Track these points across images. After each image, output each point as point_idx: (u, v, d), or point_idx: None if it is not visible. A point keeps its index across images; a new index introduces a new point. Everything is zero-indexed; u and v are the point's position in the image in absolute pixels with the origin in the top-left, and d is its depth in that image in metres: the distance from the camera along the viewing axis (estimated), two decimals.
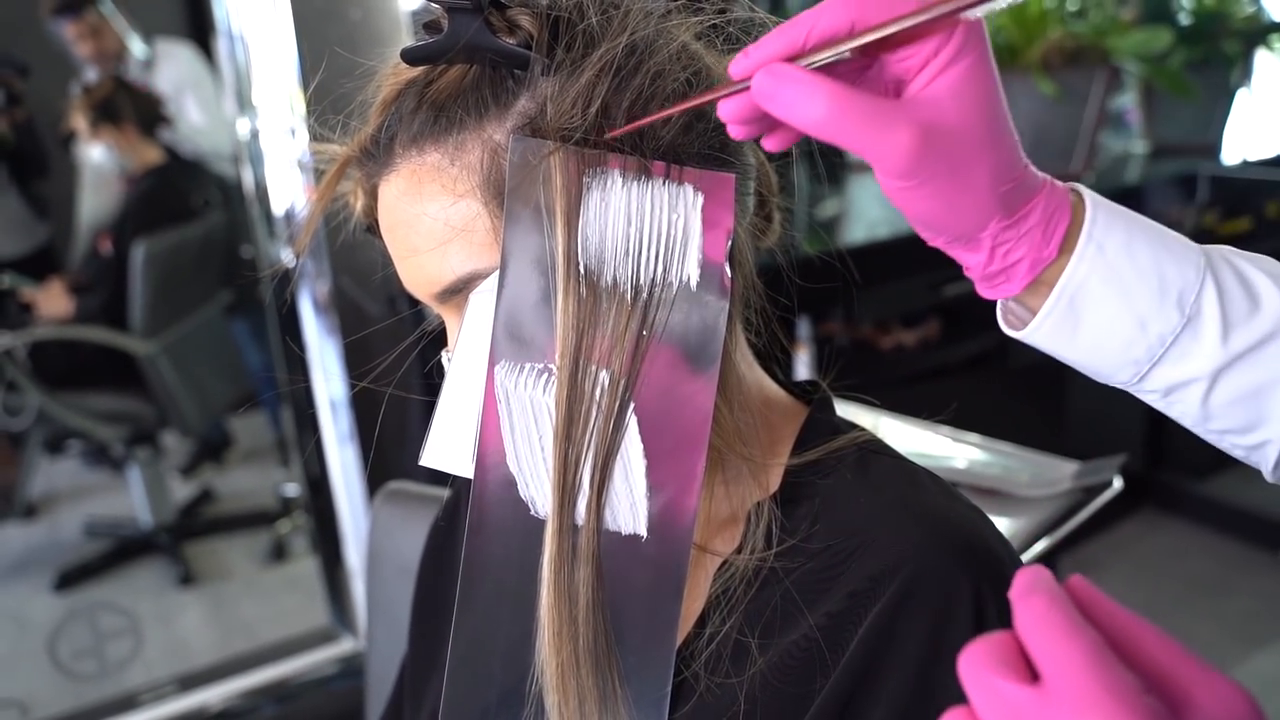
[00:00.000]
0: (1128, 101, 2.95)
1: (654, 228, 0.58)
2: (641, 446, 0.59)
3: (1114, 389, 0.54)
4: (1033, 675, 0.36)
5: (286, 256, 2.09)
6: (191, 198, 3.08)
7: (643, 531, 0.61)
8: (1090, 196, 0.51)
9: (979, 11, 0.45)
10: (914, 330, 2.55)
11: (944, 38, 0.46)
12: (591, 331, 0.58)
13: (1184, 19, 2.62)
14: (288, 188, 2.04)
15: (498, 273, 0.59)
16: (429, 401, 0.66)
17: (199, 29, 3.70)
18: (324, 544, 2.30)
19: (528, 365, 0.60)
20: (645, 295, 0.58)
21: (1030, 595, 0.37)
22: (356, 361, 1.97)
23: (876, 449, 0.67)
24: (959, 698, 0.56)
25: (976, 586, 0.57)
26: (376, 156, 0.63)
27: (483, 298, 0.61)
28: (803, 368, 2.15)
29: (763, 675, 0.61)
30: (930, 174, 0.47)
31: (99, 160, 3.06)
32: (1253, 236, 2.85)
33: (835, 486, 0.64)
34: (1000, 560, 0.60)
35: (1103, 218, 0.50)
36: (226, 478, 3.71)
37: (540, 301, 0.59)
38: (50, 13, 3.18)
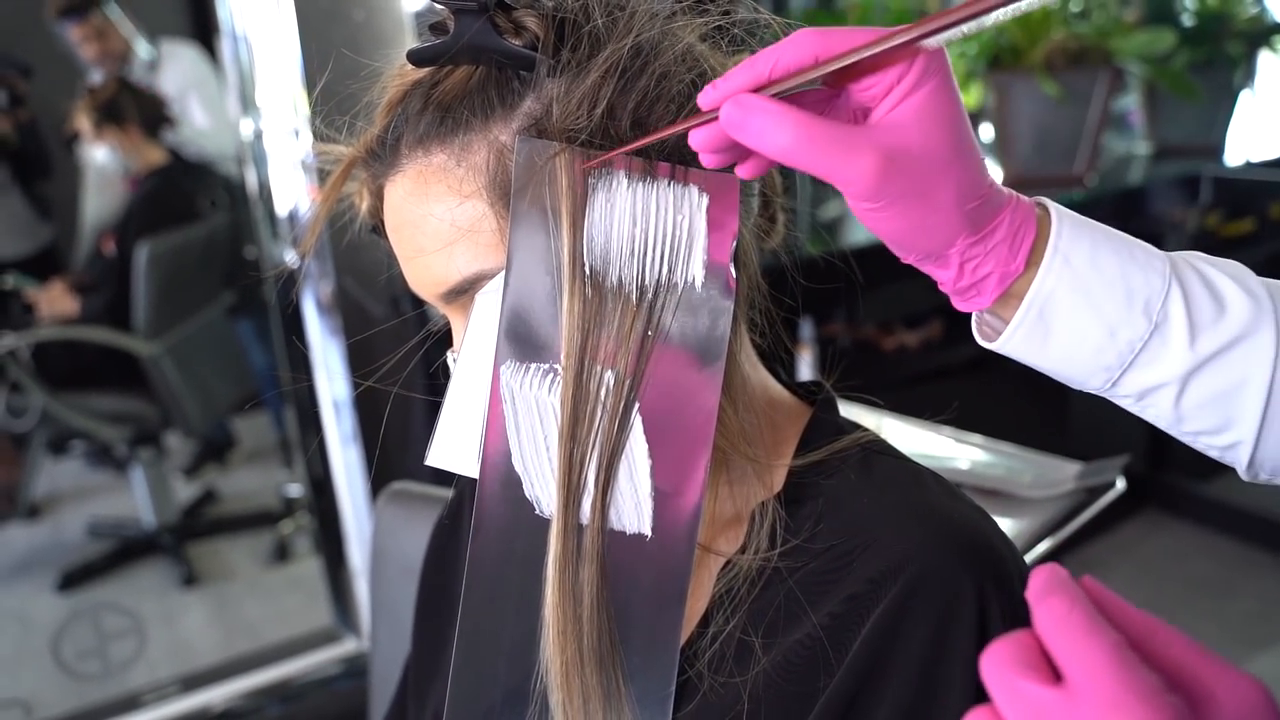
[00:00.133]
0: (1131, 103, 2.95)
1: (659, 229, 0.58)
2: (646, 446, 0.60)
3: None
4: (1055, 675, 0.36)
5: (290, 257, 2.09)
6: (195, 198, 3.08)
7: (647, 531, 0.61)
8: (1055, 209, 0.52)
9: (935, 41, 0.46)
10: (917, 331, 2.55)
11: (906, 66, 0.48)
12: (597, 332, 0.58)
13: (1187, 20, 2.62)
14: (291, 188, 2.04)
15: (503, 273, 0.59)
16: (432, 402, 0.66)
17: (203, 29, 3.71)
18: (327, 544, 2.31)
19: (533, 365, 0.60)
20: (650, 296, 0.59)
21: (1049, 596, 0.37)
22: (360, 362, 1.98)
23: (880, 449, 0.67)
24: (963, 697, 0.56)
25: (980, 586, 0.58)
26: (382, 157, 0.63)
27: (488, 298, 0.61)
28: (806, 368, 2.15)
29: (766, 674, 0.61)
30: (895, 196, 0.49)
31: (103, 161, 3.06)
32: (1256, 238, 2.85)
33: (839, 487, 0.64)
34: (1003, 560, 0.60)
35: (1068, 230, 0.51)
36: (229, 478, 3.71)
37: (546, 302, 0.59)
38: (55, 15, 3.19)
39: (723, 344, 0.60)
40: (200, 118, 3.29)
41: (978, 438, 1.48)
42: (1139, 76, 2.59)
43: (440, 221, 0.60)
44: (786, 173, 0.72)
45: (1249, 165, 2.74)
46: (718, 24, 0.62)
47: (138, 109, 2.98)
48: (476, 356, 0.62)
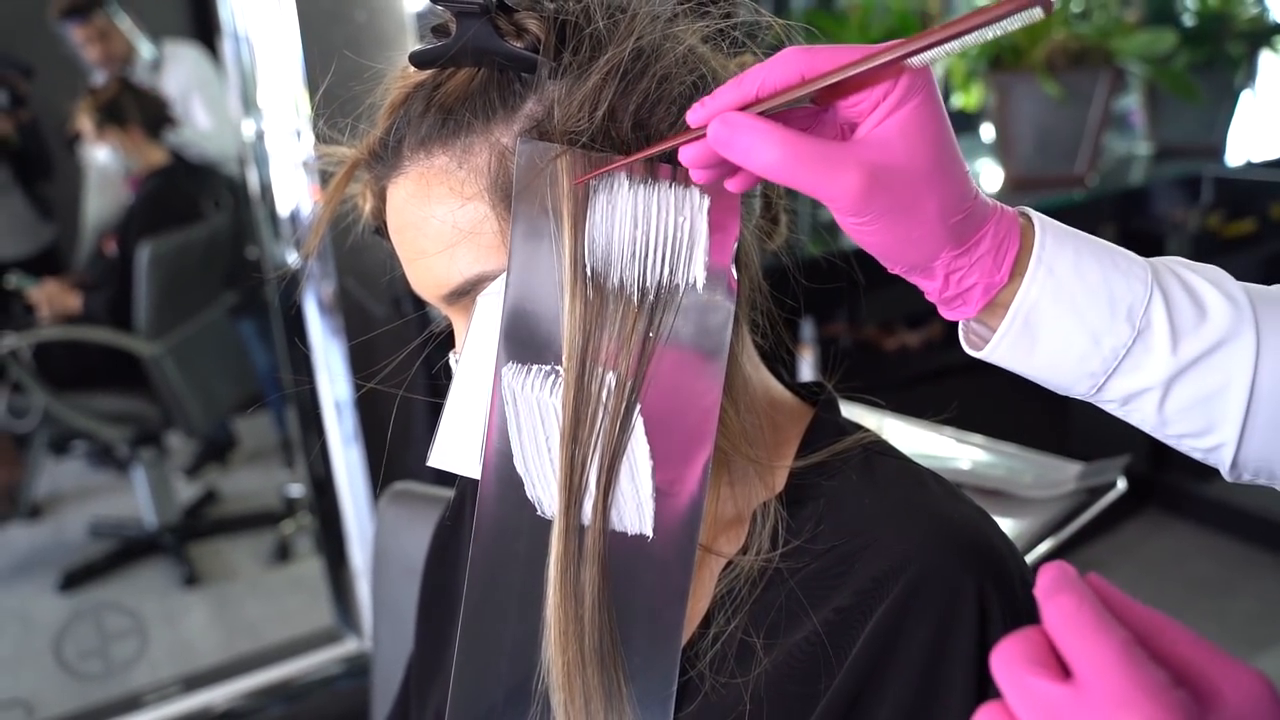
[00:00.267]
0: (1132, 103, 2.95)
1: (660, 230, 0.58)
2: (648, 448, 0.60)
3: None
4: (1064, 672, 0.37)
5: (292, 258, 2.09)
6: (197, 199, 3.09)
7: (649, 532, 0.61)
8: (1039, 220, 0.53)
9: (919, 60, 0.47)
10: (918, 331, 2.56)
11: (891, 83, 0.48)
12: (598, 333, 0.58)
13: (1188, 20, 2.62)
14: (293, 189, 2.04)
15: (505, 275, 0.59)
16: (434, 403, 0.66)
17: (205, 30, 3.71)
18: (328, 544, 2.31)
19: (534, 367, 0.60)
20: (652, 298, 0.59)
21: (1058, 593, 0.38)
22: (361, 362, 1.98)
23: (881, 450, 0.67)
24: (964, 697, 0.57)
25: (980, 586, 0.58)
26: (385, 159, 0.63)
27: (490, 299, 0.61)
28: (807, 369, 2.15)
29: (768, 675, 0.61)
30: (881, 210, 0.50)
31: (104, 162, 3.07)
32: (1257, 238, 2.85)
33: (840, 487, 0.64)
34: (1004, 561, 0.60)
35: (1051, 240, 0.52)
36: (231, 478, 3.72)
37: (547, 303, 0.59)
38: (58, 16, 3.19)
39: (724, 345, 0.60)
40: (203, 118, 3.30)
41: (979, 438, 1.48)
42: (1140, 77, 2.59)
43: (442, 223, 0.60)
44: None
45: (1250, 165, 2.74)
46: (719, 27, 0.62)
47: (139, 109, 2.98)
48: (478, 358, 0.62)
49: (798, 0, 2.58)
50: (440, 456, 0.65)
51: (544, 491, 0.62)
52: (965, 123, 2.90)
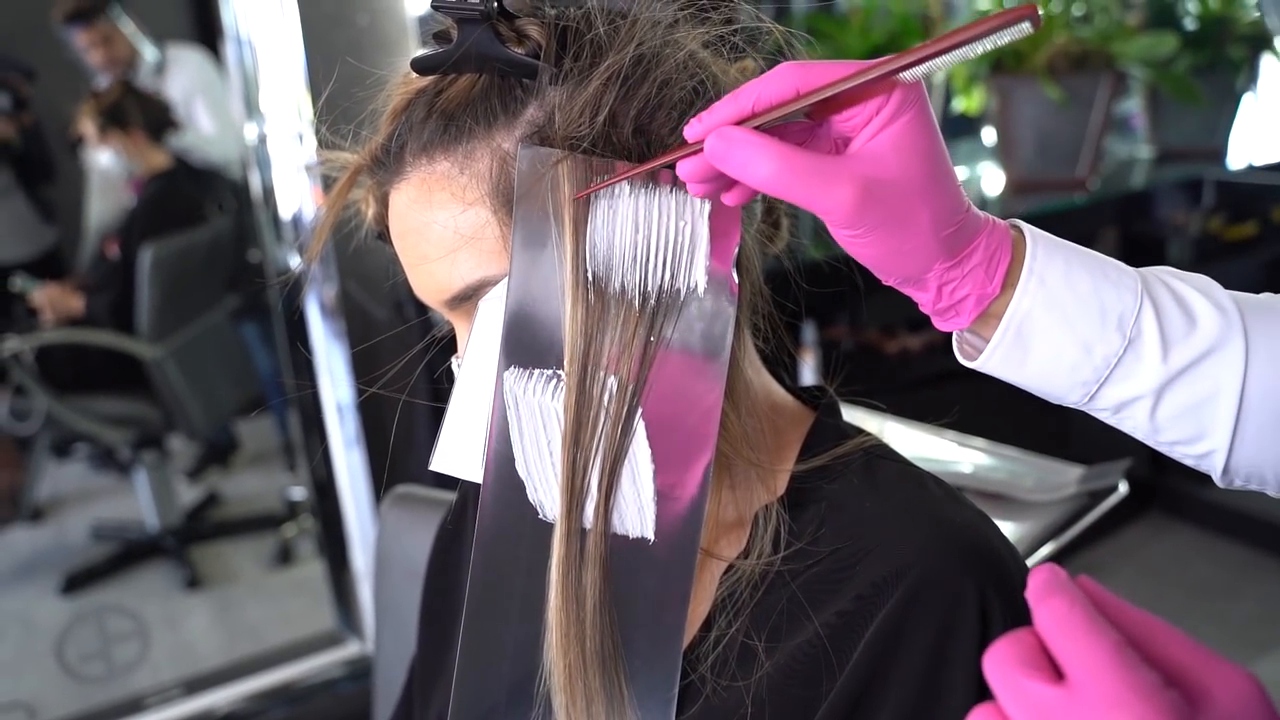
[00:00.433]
0: (1133, 106, 2.95)
1: (662, 235, 0.58)
2: (649, 451, 0.60)
3: None
4: (1056, 674, 0.37)
5: (294, 261, 2.09)
6: (199, 202, 3.09)
7: (650, 535, 0.61)
8: (1030, 232, 0.54)
9: (911, 74, 0.48)
10: (919, 335, 2.55)
11: (884, 98, 0.49)
12: (600, 338, 0.58)
13: (1189, 24, 2.62)
14: (295, 192, 2.05)
15: (506, 280, 0.59)
16: (436, 407, 0.66)
17: (207, 34, 3.72)
18: (330, 547, 2.31)
19: (536, 371, 0.60)
20: (653, 302, 0.59)
21: (1050, 596, 0.38)
22: (363, 366, 1.98)
23: (882, 454, 0.67)
24: (965, 700, 0.57)
25: (982, 590, 0.58)
26: (387, 165, 0.63)
27: (492, 304, 0.61)
28: (809, 372, 2.16)
29: (769, 678, 0.62)
30: (874, 223, 0.51)
31: (107, 165, 3.07)
32: (1259, 241, 2.85)
33: (841, 491, 0.65)
34: (1005, 564, 0.60)
35: (1042, 252, 0.53)
36: (233, 481, 3.72)
37: (548, 308, 0.59)
38: (61, 20, 3.20)
39: (725, 349, 0.60)
40: (205, 122, 3.30)
41: (980, 441, 1.48)
42: (1141, 80, 2.59)
43: (444, 229, 0.61)
44: None
45: (1251, 169, 2.73)
46: (719, 33, 0.63)
47: (142, 113, 2.99)
48: (480, 362, 0.62)
49: (799, 3, 2.59)
50: (442, 460, 0.65)
51: (545, 495, 0.62)
52: (967, 126, 2.90)
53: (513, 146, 0.59)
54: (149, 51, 3.33)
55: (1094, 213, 2.45)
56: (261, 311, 3.25)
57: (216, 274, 3.15)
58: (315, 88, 1.84)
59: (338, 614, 2.42)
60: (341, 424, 2.10)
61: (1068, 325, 0.52)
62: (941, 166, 0.51)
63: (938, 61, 0.47)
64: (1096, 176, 2.42)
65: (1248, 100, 2.70)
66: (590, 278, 0.58)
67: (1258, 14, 2.55)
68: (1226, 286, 0.55)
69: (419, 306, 0.68)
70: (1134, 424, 0.54)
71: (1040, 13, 0.45)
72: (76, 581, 3.06)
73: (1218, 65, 2.58)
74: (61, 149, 3.40)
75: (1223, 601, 2.66)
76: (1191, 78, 2.50)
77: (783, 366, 0.72)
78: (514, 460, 0.62)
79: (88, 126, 2.99)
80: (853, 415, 0.73)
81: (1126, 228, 2.80)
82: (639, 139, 0.58)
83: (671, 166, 0.55)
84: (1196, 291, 0.53)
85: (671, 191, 0.58)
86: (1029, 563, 0.86)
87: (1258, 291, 0.56)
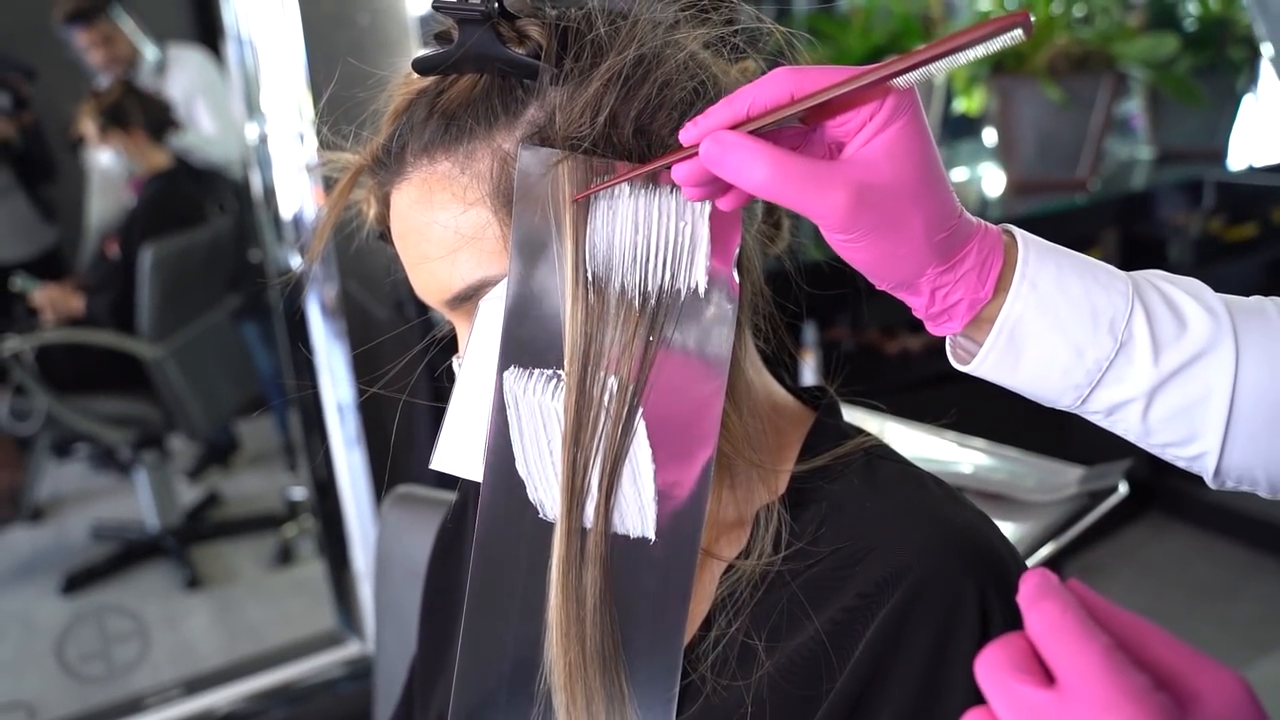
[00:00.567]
0: (1134, 107, 2.95)
1: (662, 235, 0.59)
2: (650, 451, 0.60)
3: None
4: (1048, 677, 0.38)
5: (295, 261, 2.09)
6: (200, 202, 3.09)
7: (651, 535, 0.61)
8: (1022, 237, 0.54)
9: (905, 80, 0.48)
10: (919, 335, 2.55)
11: (878, 104, 0.50)
12: (600, 338, 0.59)
13: (1190, 25, 2.62)
14: (296, 192, 2.05)
15: (507, 280, 0.60)
16: (436, 407, 0.66)
17: (208, 33, 3.72)
18: (331, 547, 2.31)
19: (537, 371, 0.60)
20: (653, 302, 0.59)
21: (1041, 600, 0.39)
22: (364, 366, 1.98)
23: (883, 454, 0.68)
24: (965, 701, 0.57)
25: (982, 591, 0.58)
26: (388, 165, 0.63)
27: (492, 304, 0.61)
28: (809, 373, 2.15)
29: (770, 678, 0.62)
30: (867, 228, 0.51)
31: (107, 165, 3.07)
32: (1259, 242, 2.85)
33: (842, 491, 0.65)
34: (1005, 564, 0.61)
35: (1034, 257, 0.53)
36: (233, 481, 3.72)
37: (549, 308, 0.59)
38: (62, 20, 3.20)
39: (726, 349, 0.60)
40: (206, 122, 3.30)
41: (980, 442, 1.48)
42: (1142, 81, 2.59)
43: (445, 229, 0.61)
44: None
45: (1252, 170, 2.73)
46: (720, 34, 0.63)
47: (142, 112, 2.99)
48: (481, 362, 0.62)
49: (800, 4, 2.59)
50: (443, 459, 0.65)
51: (546, 494, 0.62)
52: (967, 127, 2.90)
53: (513, 147, 0.59)
54: (150, 51, 3.33)
55: (1094, 214, 2.46)
56: (262, 311, 3.25)
57: (217, 274, 3.15)
58: (316, 88, 1.84)
59: (338, 614, 2.42)
60: (342, 424, 2.10)
61: (1060, 329, 0.53)
62: (934, 172, 0.52)
63: (931, 67, 0.47)
64: (1097, 177, 2.42)
65: (1248, 101, 2.70)
66: (590, 278, 0.58)
67: None
68: (1227, 288, 0.55)
69: (419, 306, 0.68)
70: (1126, 426, 0.55)
71: (1033, 19, 0.45)
72: (77, 581, 3.06)
73: (1218, 66, 2.58)
74: (62, 149, 3.40)
75: (1223, 602, 2.66)
76: (1192, 79, 2.50)
77: (783, 367, 0.72)
78: (514, 459, 0.62)
79: (88, 126, 2.99)
80: (853, 416, 0.73)
81: (1127, 229, 2.80)
82: (640, 140, 0.59)
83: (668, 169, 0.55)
84: (1187, 295, 0.54)
85: (672, 192, 0.58)
86: (1029, 563, 0.87)
87: (1258, 293, 0.57)
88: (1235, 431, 0.53)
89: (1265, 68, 2.64)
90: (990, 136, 2.57)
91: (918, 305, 0.56)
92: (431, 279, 0.63)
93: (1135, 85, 2.69)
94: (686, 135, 0.53)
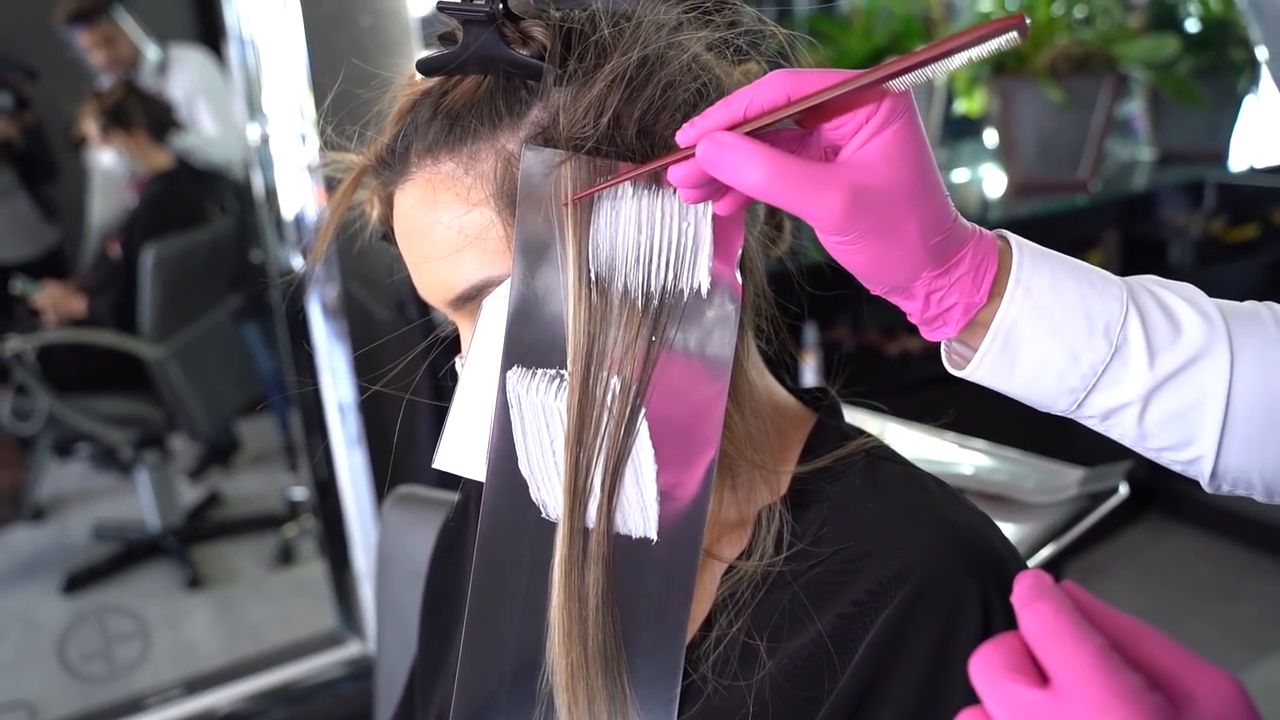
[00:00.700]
0: (1135, 108, 2.95)
1: (665, 236, 0.59)
2: (652, 451, 0.60)
3: None
4: (1042, 678, 0.38)
5: (297, 262, 2.10)
6: (201, 202, 3.09)
7: (653, 535, 0.62)
8: (1016, 242, 0.54)
9: (902, 83, 0.49)
10: (920, 336, 2.55)
11: (874, 107, 0.50)
12: (603, 338, 0.59)
13: (1191, 26, 2.62)
14: (298, 192, 2.05)
15: (510, 280, 0.60)
16: (438, 407, 0.66)
17: (210, 34, 3.72)
18: (331, 547, 2.31)
19: (539, 371, 0.60)
20: (656, 303, 0.59)
21: (1035, 601, 0.39)
22: (365, 366, 1.98)
23: (884, 455, 0.68)
24: (966, 701, 0.57)
25: (984, 591, 0.58)
26: (392, 165, 0.64)
27: (495, 304, 0.61)
28: (810, 374, 2.16)
29: (771, 678, 0.62)
30: (863, 231, 0.51)
31: (109, 165, 3.07)
32: (1260, 243, 2.85)
33: (843, 492, 0.65)
34: (1006, 565, 0.61)
35: (1028, 261, 0.53)
36: (234, 481, 3.72)
37: (552, 308, 0.59)
38: (64, 20, 3.20)
39: (729, 350, 0.60)
40: (208, 122, 3.31)
41: (981, 443, 1.48)
42: (1143, 82, 2.59)
43: (448, 229, 0.61)
44: None
45: (1253, 171, 2.73)
46: (723, 36, 0.63)
47: (144, 113, 2.99)
48: (483, 362, 0.63)
49: (801, 5, 2.59)
50: (445, 459, 0.65)
51: (548, 494, 0.62)
52: (968, 128, 2.90)
53: (517, 147, 0.59)
54: (151, 52, 3.33)
55: (1095, 214, 2.46)
56: (263, 312, 3.25)
57: (218, 274, 3.15)
58: (318, 88, 1.84)
59: (339, 614, 2.42)
60: (343, 424, 2.10)
61: (1055, 333, 0.53)
62: (930, 175, 0.52)
63: (927, 70, 0.48)
64: (1098, 178, 2.42)
65: (1249, 102, 2.70)
66: (593, 278, 0.58)
67: None
68: (1227, 289, 0.56)
69: (421, 306, 0.68)
70: (1122, 431, 0.55)
71: (1028, 22, 0.45)
72: (78, 581, 3.06)
73: (1219, 67, 2.58)
74: (64, 149, 3.40)
75: (1222, 603, 2.66)
76: (1193, 80, 2.50)
77: (785, 368, 0.73)
78: (517, 459, 0.62)
79: (90, 127, 2.99)
80: (854, 416, 0.73)
81: (1128, 230, 2.80)
82: (643, 140, 0.59)
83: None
84: (1181, 299, 0.54)
85: (675, 193, 0.58)
86: (1030, 564, 0.87)
87: (1259, 295, 0.57)
88: (1230, 435, 0.53)
89: (1263, 69, 2.64)
90: (991, 137, 2.57)
91: (912, 310, 0.56)
92: (435, 279, 0.63)
93: (1136, 86, 2.69)
94: (684, 136, 0.53)
